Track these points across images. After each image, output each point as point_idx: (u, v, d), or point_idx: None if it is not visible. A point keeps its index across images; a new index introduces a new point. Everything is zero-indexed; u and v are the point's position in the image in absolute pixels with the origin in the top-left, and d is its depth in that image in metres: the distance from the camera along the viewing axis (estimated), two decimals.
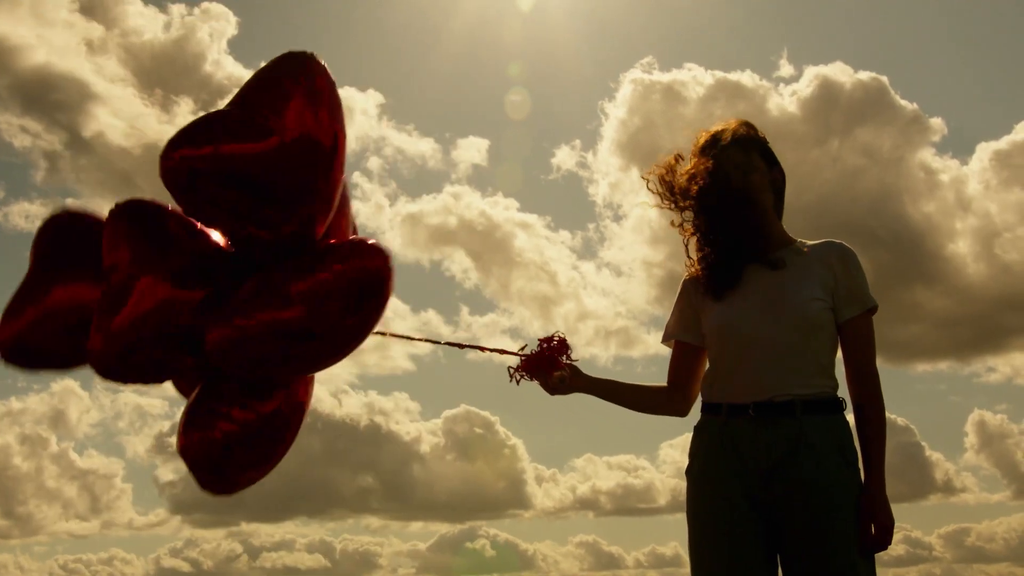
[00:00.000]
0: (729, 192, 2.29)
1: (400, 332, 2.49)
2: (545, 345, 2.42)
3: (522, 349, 2.44)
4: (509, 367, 2.45)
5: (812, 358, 2.22)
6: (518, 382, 2.44)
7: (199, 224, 2.07)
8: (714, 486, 2.24)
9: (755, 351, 2.23)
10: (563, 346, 2.42)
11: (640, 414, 2.50)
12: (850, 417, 2.26)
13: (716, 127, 2.40)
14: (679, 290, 2.46)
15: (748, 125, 2.40)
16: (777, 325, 2.22)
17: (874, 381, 2.26)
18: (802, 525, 2.14)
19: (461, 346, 2.55)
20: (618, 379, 2.49)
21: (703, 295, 2.36)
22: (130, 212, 2.02)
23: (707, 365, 2.41)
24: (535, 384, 2.43)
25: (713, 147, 2.35)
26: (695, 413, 2.39)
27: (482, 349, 2.50)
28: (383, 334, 2.39)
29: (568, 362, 2.42)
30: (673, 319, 2.47)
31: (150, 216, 2.03)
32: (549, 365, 2.41)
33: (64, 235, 2.24)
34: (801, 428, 2.17)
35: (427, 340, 2.54)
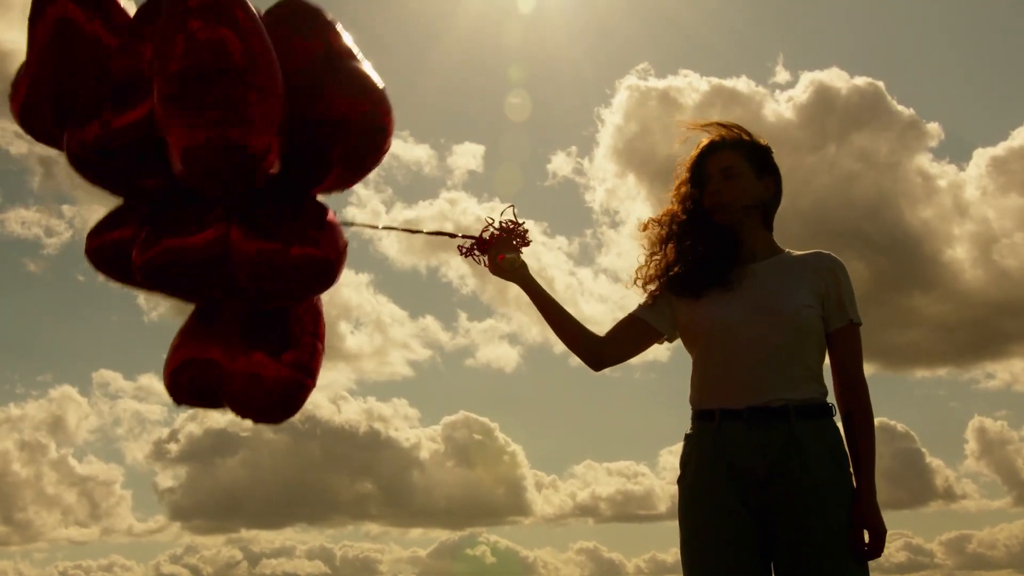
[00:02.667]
0: (707, 196, 2.34)
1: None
2: (503, 228, 2.43)
3: (483, 230, 2.45)
4: (460, 246, 2.46)
5: (803, 364, 2.23)
6: (466, 257, 2.45)
7: None
8: (709, 493, 2.22)
9: (748, 355, 2.22)
10: (522, 233, 2.43)
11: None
12: (839, 424, 2.26)
13: (713, 133, 2.41)
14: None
15: (741, 130, 2.41)
16: (770, 330, 2.22)
17: (863, 389, 2.26)
18: (795, 531, 2.13)
19: (416, 231, 2.50)
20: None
21: (681, 294, 2.35)
22: None
23: (650, 346, 2.44)
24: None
25: (701, 154, 2.38)
26: (684, 421, 2.36)
27: (440, 234, 2.48)
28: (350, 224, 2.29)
29: (522, 248, 2.44)
30: (645, 299, 2.45)
31: None
32: (504, 245, 2.42)
33: None
34: (794, 433, 2.17)
35: (388, 228, 2.52)
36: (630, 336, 2.45)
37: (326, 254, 1.90)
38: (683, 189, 2.40)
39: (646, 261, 2.43)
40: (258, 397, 2.06)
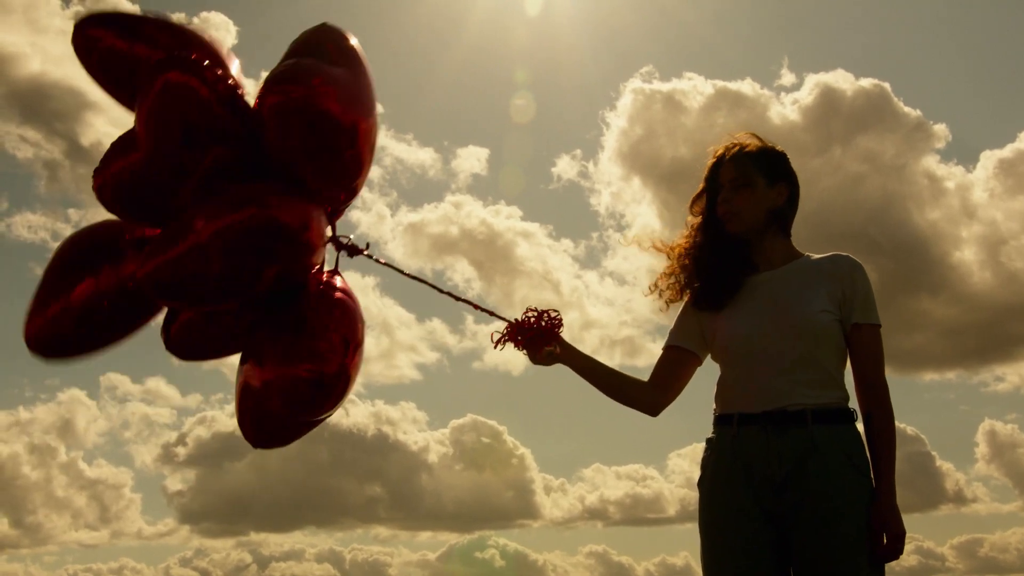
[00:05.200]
0: (718, 206, 2.35)
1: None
2: (537, 320, 2.40)
3: (526, 313, 2.42)
4: (494, 332, 2.43)
5: (822, 368, 2.23)
6: (502, 347, 2.42)
7: None
8: (726, 497, 2.24)
9: (766, 362, 2.23)
10: (558, 325, 2.40)
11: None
12: (860, 427, 2.26)
13: (724, 142, 2.41)
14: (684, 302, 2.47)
15: (753, 137, 2.41)
16: (787, 336, 2.23)
17: (883, 391, 2.26)
18: (813, 535, 2.14)
19: (457, 298, 2.50)
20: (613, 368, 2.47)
21: (703, 308, 2.38)
22: None
23: (694, 372, 2.44)
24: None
25: (712, 165, 2.40)
26: (705, 426, 2.38)
27: (476, 307, 2.47)
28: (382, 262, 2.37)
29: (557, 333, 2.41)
30: (674, 326, 2.48)
31: None
32: (541, 339, 2.40)
33: (83, 243, 2.33)
34: (812, 437, 2.17)
35: (420, 279, 2.51)
36: (673, 369, 2.45)
37: (321, 370, 1.93)
38: (698, 202, 2.43)
39: (672, 272, 2.44)
40: (281, 401, 2.09)
